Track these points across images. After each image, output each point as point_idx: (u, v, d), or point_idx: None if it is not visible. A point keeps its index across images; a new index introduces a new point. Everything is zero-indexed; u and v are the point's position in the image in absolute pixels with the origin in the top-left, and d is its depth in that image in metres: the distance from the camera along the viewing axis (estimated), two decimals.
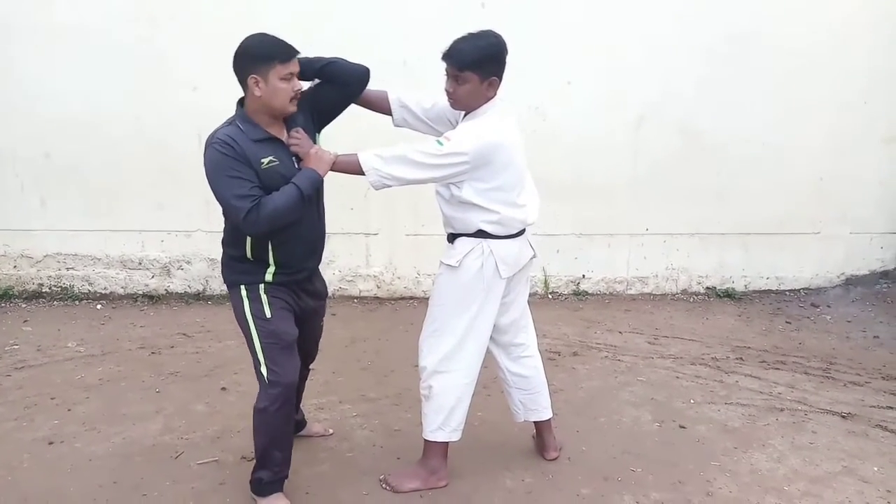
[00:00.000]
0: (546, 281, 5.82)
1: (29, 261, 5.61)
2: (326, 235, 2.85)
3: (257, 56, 2.39)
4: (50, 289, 5.66)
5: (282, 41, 2.44)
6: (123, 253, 5.64)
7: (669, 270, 5.99)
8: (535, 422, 3.19)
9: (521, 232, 2.83)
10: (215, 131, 2.46)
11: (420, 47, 5.18)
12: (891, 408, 3.79)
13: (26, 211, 5.50)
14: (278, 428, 2.68)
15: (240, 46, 2.44)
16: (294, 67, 2.45)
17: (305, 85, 2.61)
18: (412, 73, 5.04)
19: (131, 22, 5.19)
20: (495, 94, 2.72)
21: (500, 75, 2.68)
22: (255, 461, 2.76)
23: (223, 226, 2.69)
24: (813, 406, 3.82)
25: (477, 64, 2.60)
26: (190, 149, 5.38)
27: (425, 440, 2.95)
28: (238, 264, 2.64)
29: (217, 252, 5.50)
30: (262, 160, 2.43)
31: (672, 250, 5.93)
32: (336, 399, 3.84)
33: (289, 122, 2.57)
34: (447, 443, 2.93)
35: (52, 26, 5.18)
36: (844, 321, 5.38)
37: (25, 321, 5.11)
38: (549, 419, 3.19)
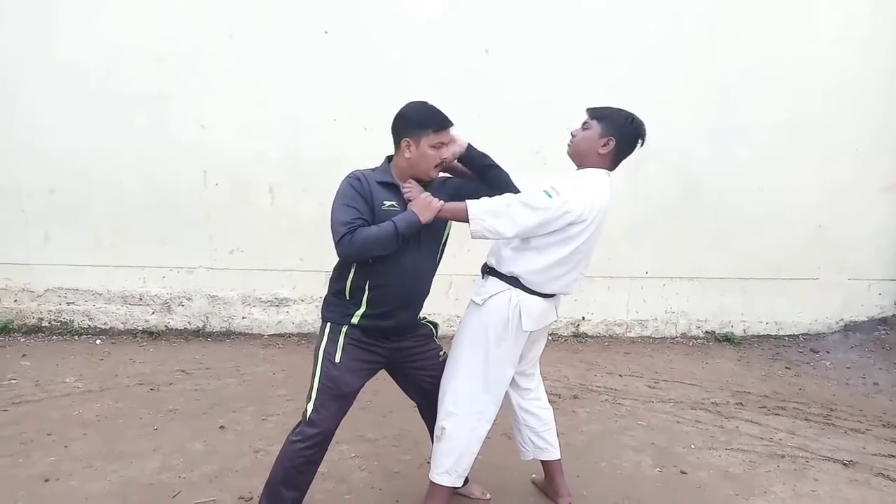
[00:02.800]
0: None
1: (30, 295, 5.62)
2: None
3: (414, 122, 2.62)
4: (50, 323, 5.66)
5: (439, 112, 2.64)
6: (125, 288, 5.66)
7: (669, 314, 6.00)
8: (545, 465, 3.17)
9: (553, 296, 2.83)
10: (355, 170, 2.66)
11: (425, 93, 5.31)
12: (892, 456, 3.77)
13: (29, 245, 5.54)
14: (297, 466, 2.66)
15: (401, 110, 2.66)
16: (445, 137, 2.64)
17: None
18: None
19: (137, 59, 5.30)
20: (610, 157, 2.76)
21: (618, 141, 2.73)
22: (262, 493, 2.71)
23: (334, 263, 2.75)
24: (814, 453, 3.80)
25: (601, 116, 2.75)
26: (194, 186, 5.48)
27: (431, 482, 2.91)
28: (334, 300, 2.71)
29: (218, 289, 5.64)
30: (385, 202, 2.60)
31: (671, 294, 5.95)
32: (334, 439, 3.79)
33: (426, 184, 2.71)
34: (452, 487, 2.90)
35: (57, 62, 5.28)
36: (844, 367, 5.37)
37: (24, 355, 5.09)
38: (560, 463, 3.17)
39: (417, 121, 2.61)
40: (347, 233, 2.48)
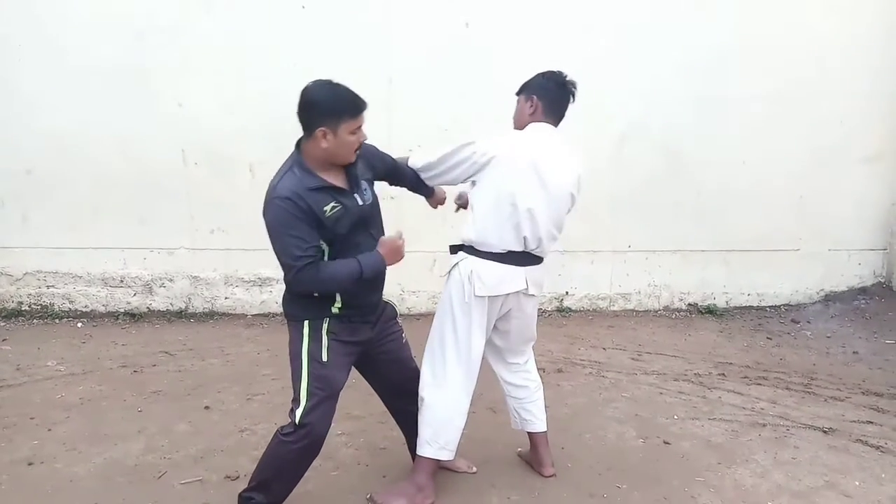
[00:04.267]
0: None
1: (9, 278, 5.56)
2: None
3: (329, 109, 2.40)
4: (30, 307, 5.60)
5: (353, 95, 2.44)
6: (105, 270, 5.60)
7: (652, 287, 6.04)
8: (531, 437, 3.22)
9: (508, 257, 2.83)
10: (275, 183, 2.44)
11: (405, 66, 5.27)
12: (871, 422, 3.84)
13: (7, 228, 5.47)
14: (290, 465, 2.64)
15: (309, 95, 2.42)
16: (362, 120, 2.47)
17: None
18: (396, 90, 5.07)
19: (115, 37, 5.21)
20: (541, 112, 2.90)
21: (539, 96, 2.90)
22: (250, 481, 2.69)
23: None
24: (795, 421, 3.86)
25: (520, 89, 2.98)
26: (174, 165, 5.42)
27: (416, 455, 2.96)
28: (304, 299, 2.60)
29: (200, 269, 5.60)
30: (325, 208, 2.44)
31: (654, 267, 5.98)
32: None
33: (348, 168, 2.58)
34: (436, 460, 2.93)
35: (34, 39, 5.19)
36: (824, 337, 5.44)
37: (4, 340, 5.04)
38: (545, 435, 3.21)
39: (332, 107, 2.39)
40: (306, 266, 2.40)
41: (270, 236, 2.44)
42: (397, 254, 2.61)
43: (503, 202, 2.76)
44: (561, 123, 2.96)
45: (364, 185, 2.62)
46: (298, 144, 2.56)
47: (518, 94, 2.98)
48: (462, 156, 2.79)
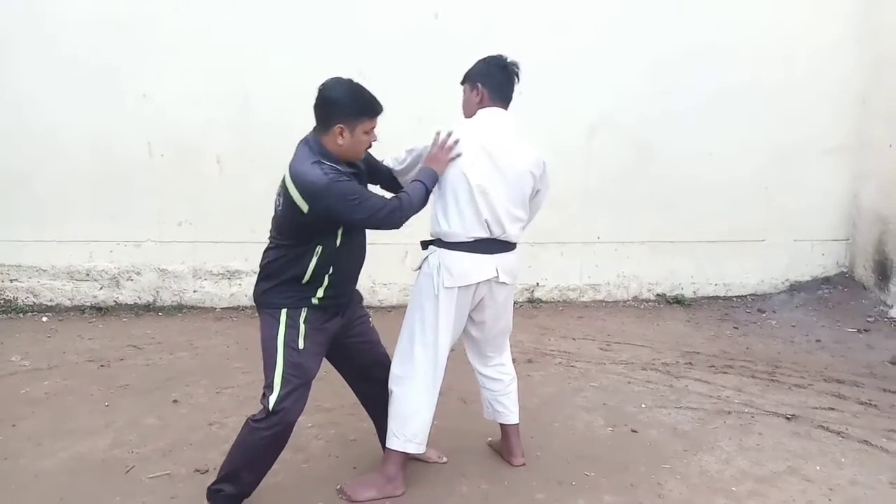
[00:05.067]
0: None
1: None
2: None
3: (349, 110, 2.52)
4: None
5: (372, 97, 2.58)
6: (70, 264, 5.52)
7: (621, 278, 6.10)
8: (502, 427, 3.24)
9: (475, 246, 2.84)
10: (314, 171, 2.47)
11: (375, 58, 5.24)
12: (832, 409, 3.92)
13: None
14: (261, 453, 2.66)
15: (330, 93, 2.53)
16: (377, 121, 2.60)
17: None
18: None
19: (80, 29, 5.11)
20: (488, 98, 2.91)
21: (483, 82, 2.91)
22: (219, 472, 2.69)
23: (272, 255, 2.65)
24: (759, 409, 3.93)
25: (463, 80, 2.99)
26: (140, 157, 5.35)
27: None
28: (285, 287, 2.62)
29: (168, 262, 5.54)
30: None
31: (623, 258, 6.05)
32: None
33: (355, 164, 2.70)
34: (405, 452, 2.94)
35: None
36: (789, 326, 5.55)
37: None
38: (517, 427, 3.24)
39: (353, 107, 2.53)
40: (394, 207, 2.61)
41: (343, 211, 2.51)
42: (443, 163, 2.78)
43: (458, 188, 2.78)
44: (511, 105, 2.97)
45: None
46: (306, 138, 2.62)
47: (462, 83, 2.99)
48: (419, 152, 2.86)
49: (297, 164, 2.53)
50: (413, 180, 2.76)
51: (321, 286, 2.63)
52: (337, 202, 2.48)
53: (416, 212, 2.72)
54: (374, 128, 2.60)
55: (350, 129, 2.52)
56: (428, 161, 2.80)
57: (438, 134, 2.80)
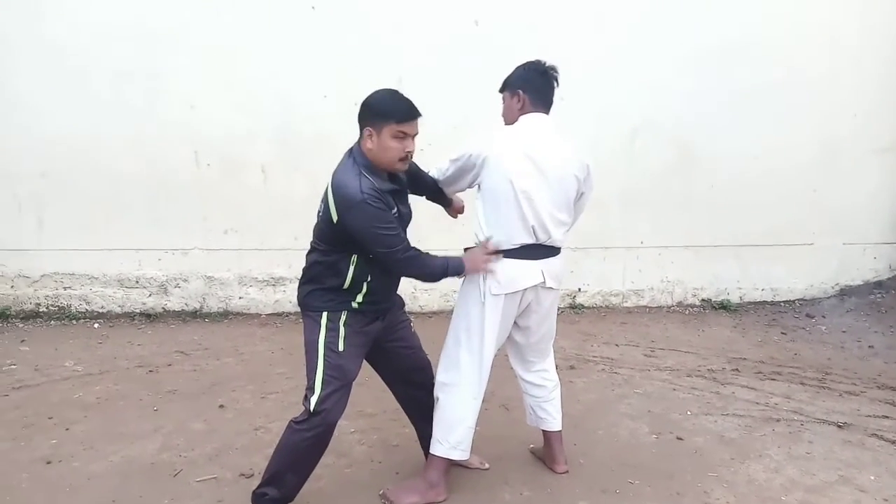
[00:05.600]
0: None
1: (26, 280, 5.62)
2: None
3: (376, 111, 2.50)
4: (47, 308, 5.66)
5: (405, 101, 2.52)
6: (120, 272, 5.66)
7: (665, 283, 6.02)
8: (545, 434, 3.23)
9: (521, 252, 2.83)
10: (352, 185, 2.47)
11: (415, 66, 5.27)
12: (886, 417, 3.81)
13: (23, 230, 5.53)
14: (304, 454, 2.69)
15: (367, 98, 2.56)
16: (411, 129, 2.53)
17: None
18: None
19: (125, 38, 5.25)
20: (529, 104, 2.88)
21: (524, 89, 2.88)
22: (264, 475, 2.73)
23: (312, 258, 2.70)
24: (809, 416, 3.84)
25: (503, 87, 2.98)
26: (186, 166, 5.46)
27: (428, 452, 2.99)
28: (325, 292, 2.67)
29: (214, 269, 5.64)
30: (392, 211, 2.58)
31: (667, 263, 5.97)
32: None
33: (397, 177, 2.68)
34: (448, 459, 2.94)
35: (45, 43, 5.24)
36: (839, 331, 5.41)
37: (23, 341, 5.10)
38: (559, 433, 3.22)
39: (380, 109, 2.49)
40: (408, 254, 2.57)
41: (364, 235, 2.50)
42: (478, 266, 2.77)
43: (503, 194, 2.76)
44: (552, 110, 2.94)
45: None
46: (351, 147, 2.63)
47: (501, 91, 2.98)
48: (463, 162, 2.83)
49: (339, 173, 2.54)
50: (442, 257, 2.71)
51: (360, 292, 2.65)
52: (361, 223, 2.47)
53: (422, 279, 2.76)
54: (406, 134, 2.51)
55: (377, 131, 2.48)
56: (467, 255, 2.80)
57: (489, 240, 2.79)
